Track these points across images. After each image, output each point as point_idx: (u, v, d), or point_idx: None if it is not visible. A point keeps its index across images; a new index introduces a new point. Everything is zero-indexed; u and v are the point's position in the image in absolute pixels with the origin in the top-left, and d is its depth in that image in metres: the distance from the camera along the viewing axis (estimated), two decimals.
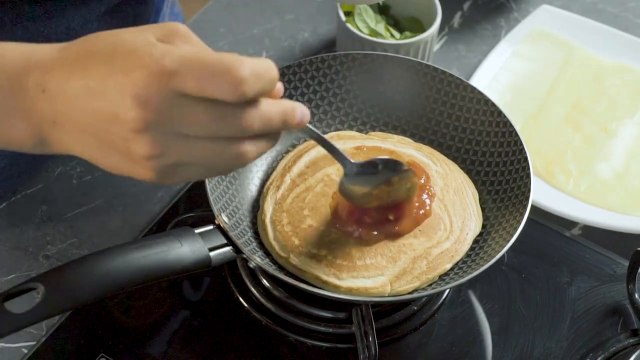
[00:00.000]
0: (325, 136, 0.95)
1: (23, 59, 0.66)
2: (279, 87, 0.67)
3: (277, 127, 0.65)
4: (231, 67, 0.61)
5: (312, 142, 0.94)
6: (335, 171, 0.90)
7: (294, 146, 0.96)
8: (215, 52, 0.63)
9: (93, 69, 0.63)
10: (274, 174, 0.92)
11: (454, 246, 0.86)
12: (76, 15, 0.96)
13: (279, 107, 0.65)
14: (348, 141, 0.94)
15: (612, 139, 1.09)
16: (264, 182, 0.93)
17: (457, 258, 0.86)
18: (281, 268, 0.85)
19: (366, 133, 0.98)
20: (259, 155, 0.66)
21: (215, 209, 0.82)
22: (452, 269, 0.86)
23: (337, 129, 0.98)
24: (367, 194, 0.82)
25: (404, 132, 0.98)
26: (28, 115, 0.66)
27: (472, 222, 0.88)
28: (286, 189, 0.89)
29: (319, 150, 0.92)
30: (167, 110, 0.61)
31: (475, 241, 0.88)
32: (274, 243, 0.85)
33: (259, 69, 0.62)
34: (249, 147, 0.64)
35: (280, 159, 0.94)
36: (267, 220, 0.87)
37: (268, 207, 0.88)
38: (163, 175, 0.64)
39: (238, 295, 0.90)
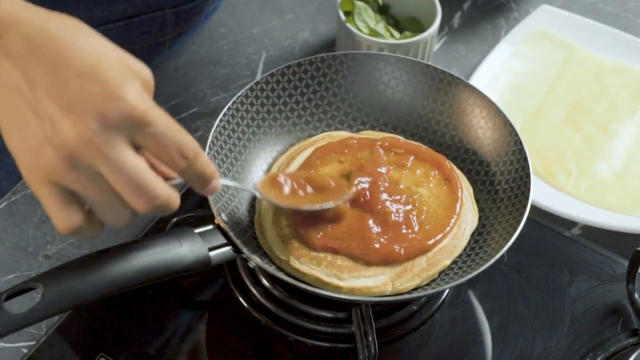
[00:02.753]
0: (316, 137, 0.95)
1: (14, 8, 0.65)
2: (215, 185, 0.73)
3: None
4: (193, 144, 0.67)
5: (305, 143, 0.95)
6: (330, 171, 0.90)
7: (293, 145, 0.96)
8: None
9: (77, 57, 0.63)
10: None
11: (452, 242, 0.86)
12: None
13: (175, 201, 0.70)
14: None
15: (612, 139, 1.09)
16: None
17: (456, 253, 0.86)
18: (281, 268, 0.85)
19: (357, 131, 0.98)
20: (126, 224, 0.68)
21: (214, 208, 0.82)
22: (451, 268, 0.86)
23: (337, 129, 0.98)
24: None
25: (403, 132, 0.98)
26: None
27: (468, 217, 0.88)
28: None
29: (312, 151, 0.93)
30: (110, 144, 0.63)
31: (475, 240, 0.88)
32: (272, 246, 0.85)
33: (207, 164, 0.70)
34: (126, 215, 0.67)
35: (274, 161, 0.94)
36: (265, 224, 0.87)
37: (265, 211, 0.88)
38: (47, 174, 0.64)
39: (238, 295, 0.90)
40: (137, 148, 0.66)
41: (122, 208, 0.66)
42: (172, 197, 0.68)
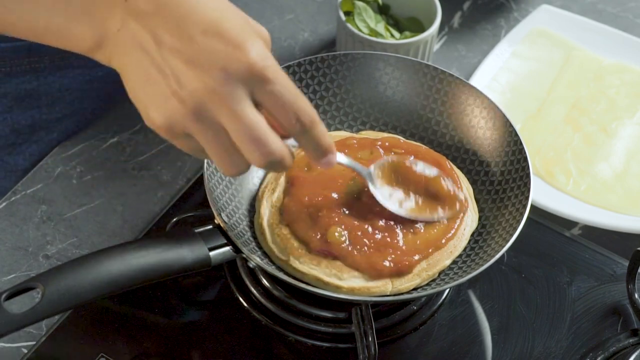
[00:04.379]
0: None
1: None
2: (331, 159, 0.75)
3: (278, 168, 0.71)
4: (311, 112, 0.69)
5: None
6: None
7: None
8: None
9: (201, 15, 0.66)
10: (268, 176, 0.92)
11: (452, 242, 0.86)
12: None
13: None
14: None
15: (612, 139, 1.09)
16: (262, 182, 0.93)
17: (456, 254, 0.86)
18: (281, 268, 0.84)
19: (357, 132, 0.98)
20: (240, 173, 0.70)
21: (214, 208, 0.82)
22: (451, 268, 0.86)
23: (337, 129, 0.98)
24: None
25: (403, 132, 0.98)
26: (102, 16, 0.68)
27: (468, 218, 0.88)
28: (282, 191, 0.89)
29: None
30: (232, 97, 0.65)
31: (475, 241, 0.88)
32: (272, 246, 0.85)
33: (323, 135, 0.72)
34: (242, 166, 0.69)
35: None
36: (265, 224, 0.87)
37: (264, 211, 0.88)
38: (173, 125, 0.67)
39: (238, 295, 0.90)
40: (257, 106, 0.68)
41: (239, 159, 0.68)
42: (286, 155, 0.70)
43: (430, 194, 0.86)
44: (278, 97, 0.67)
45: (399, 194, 0.85)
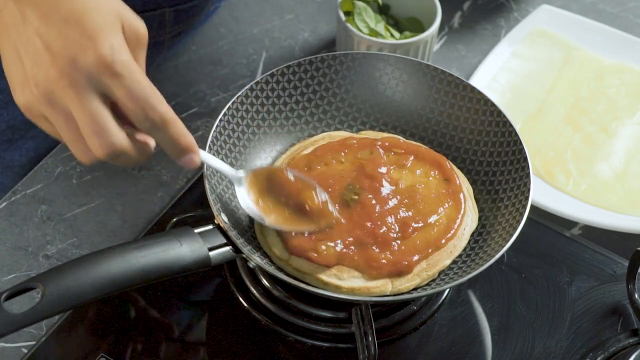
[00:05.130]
0: (316, 137, 0.95)
1: None
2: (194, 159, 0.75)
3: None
4: (162, 110, 0.69)
5: (304, 143, 0.94)
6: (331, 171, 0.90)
7: (293, 145, 0.96)
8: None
9: (70, 4, 0.67)
10: None
11: (452, 242, 0.86)
12: None
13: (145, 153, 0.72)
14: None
15: (612, 139, 1.09)
16: None
17: (456, 254, 0.86)
18: (281, 268, 0.84)
19: (357, 132, 0.98)
20: (91, 160, 0.71)
21: (214, 208, 0.82)
22: (451, 268, 0.86)
23: (337, 129, 0.98)
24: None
25: (403, 132, 0.98)
26: None
27: (468, 217, 0.88)
28: None
29: (311, 151, 0.92)
30: (76, 87, 0.66)
31: (475, 241, 0.88)
32: (272, 246, 0.85)
33: (180, 135, 0.72)
34: (91, 154, 0.70)
35: (274, 161, 0.94)
36: (265, 224, 0.87)
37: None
38: (30, 108, 0.69)
39: (238, 295, 0.90)
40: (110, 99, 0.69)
41: (86, 148, 0.69)
42: (129, 149, 0.70)
43: (301, 206, 0.83)
44: (126, 92, 0.68)
45: (268, 202, 0.83)
